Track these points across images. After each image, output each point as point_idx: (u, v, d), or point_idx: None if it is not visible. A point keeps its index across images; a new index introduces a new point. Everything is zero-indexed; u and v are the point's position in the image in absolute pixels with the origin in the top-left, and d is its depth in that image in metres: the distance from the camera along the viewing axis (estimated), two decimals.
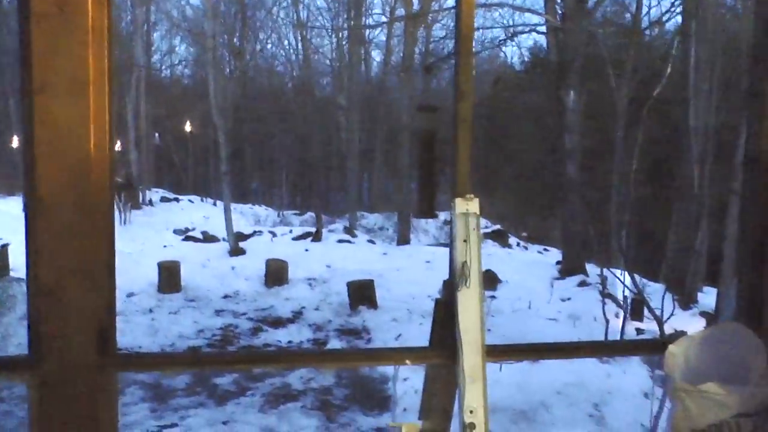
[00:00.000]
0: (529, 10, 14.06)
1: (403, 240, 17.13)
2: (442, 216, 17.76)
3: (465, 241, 1.55)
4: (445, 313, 1.64)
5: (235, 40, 26.69)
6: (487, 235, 17.08)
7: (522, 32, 14.91)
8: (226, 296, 10.25)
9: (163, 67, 32.38)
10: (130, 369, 1.47)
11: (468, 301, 1.55)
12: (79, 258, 1.31)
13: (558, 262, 13.06)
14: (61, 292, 1.29)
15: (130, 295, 9.47)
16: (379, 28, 24.40)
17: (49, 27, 1.29)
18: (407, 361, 1.65)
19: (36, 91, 1.29)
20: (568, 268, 12.18)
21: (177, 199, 23.57)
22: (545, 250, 17.51)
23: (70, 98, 1.29)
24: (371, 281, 9.81)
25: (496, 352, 1.65)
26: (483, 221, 12.77)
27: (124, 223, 17.77)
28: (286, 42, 29.46)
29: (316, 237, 15.79)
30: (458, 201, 1.55)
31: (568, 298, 9.97)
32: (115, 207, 18.20)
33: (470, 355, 1.52)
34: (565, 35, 12.63)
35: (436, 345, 1.67)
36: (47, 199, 1.28)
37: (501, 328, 7.62)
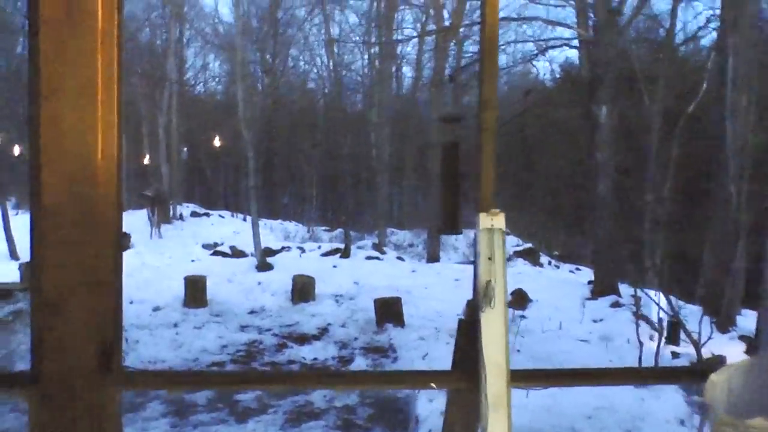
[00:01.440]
0: (560, 24, 13.91)
1: (433, 257, 17.03)
2: (472, 233, 17.57)
3: (489, 258, 1.47)
4: (468, 334, 1.56)
5: (267, 56, 27.04)
6: (517, 254, 16.89)
7: (553, 47, 14.77)
8: (251, 311, 10.24)
9: (197, 84, 32.92)
10: (133, 387, 1.40)
11: (492, 322, 1.46)
12: (83, 270, 1.26)
13: (590, 282, 12.81)
14: (63, 305, 1.24)
15: (155, 309, 9.52)
16: (410, 44, 24.47)
17: (57, 32, 1.25)
18: (432, 384, 1.56)
19: (44, 96, 1.25)
20: (600, 288, 11.92)
21: (207, 214, 23.80)
22: (577, 269, 17.22)
23: (77, 105, 1.25)
24: (398, 299, 9.71)
25: (522, 377, 1.56)
26: (514, 239, 12.62)
27: (154, 236, 17.98)
28: (317, 59, 29.79)
29: (345, 253, 15.78)
30: (482, 216, 1.47)
31: (600, 319, 9.75)
32: (147, 221, 18.52)
33: (494, 381, 1.43)
34: (597, 50, 12.47)
35: (458, 368, 1.58)
36: (51, 207, 1.24)
37: (530, 349, 7.46)
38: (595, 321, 9.67)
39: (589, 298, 11.44)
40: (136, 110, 24.03)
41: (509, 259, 15.19)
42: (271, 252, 15.37)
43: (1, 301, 8.55)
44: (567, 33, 14.62)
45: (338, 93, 27.43)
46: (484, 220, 1.49)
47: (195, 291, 10.11)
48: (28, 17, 1.32)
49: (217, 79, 33.41)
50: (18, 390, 1.34)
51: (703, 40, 15.34)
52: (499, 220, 1.48)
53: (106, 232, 1.30)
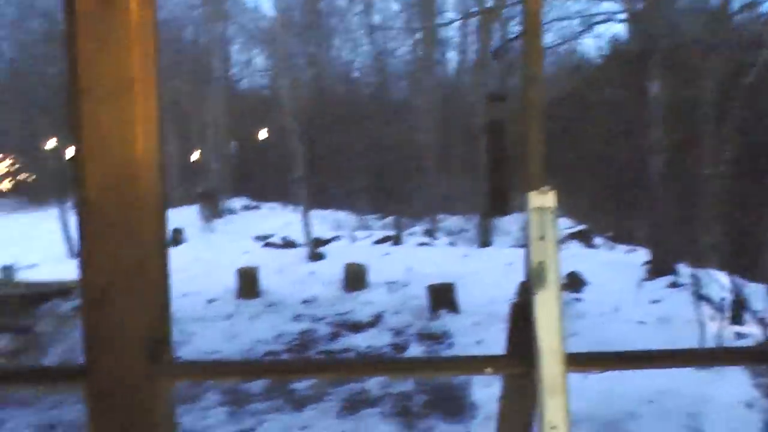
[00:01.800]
0: None
1: (485, 242, 16.87)
2: (523, 216, 17.35)
3: (541, 238, 1.41)
4: (521, 317, 1.50)
5: (310, 48, 27.16)
6: (571, 236, 16.58)
7: (600, 22, 14.34)
8: (304, 301, 10.34)
9: (242, 79, 33.32)
10: (183, 378, 1.41)
11: (546, 304, 1.40)
12: (130, 265, 1.26)
13: (646, 263, 12.47)
14: (111, 300, 1.25)
15: (209, 301, 9.71)
16: (453, 28, 24.22)
17: (93, 25, 1.25)
18: (488, 370, 1.52)
19: (82, 93, 1.26)
20: (657, 268, 11.58)
21: (258, 207, 24.17)
22: (632, 250, 16.80)
23: (114, 100, 1.25)
24: (451, 284, 9.65)
25: (579, 361, 1.49)
26: (567, 221, 12.38)
27: (206, 231, 18.35)
28: (360, 48, 29.75)
29: (396, 241, 15.80)
30: (532, 195, 1.41)
31: (658, 300, 9.47)
32: (198, 216, 18.91)
33: (549, 365, 1.37)
34: (647, 22, 12.05)
35: (512, 353, 1.53)
36: (95, 203, 1.24)
37: (587, 332, 7.31)
38: (652, 302, 9.40)
39: (645, 279, 11.14)
40: (184, 108, 24.50)
41: (562, 241, 14.93)
42: (323, 242, 15.50)
43: (62, 298, 8.87)
44: (613, 7, 14.18)
45: (383, 81, 27.38)
46: (534, 198, 1.43)
47: (248, 282, 10.27)
48: (64, 13, 1.33)
49: (261, 74, 33.77)
50: (71, 383, 1.36)
51: (762, 7, 14.64)
52: (549, 199, 1.42)
53: (150, 226, 1.30)
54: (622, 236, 18.96)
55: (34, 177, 27.62)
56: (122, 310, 1.26)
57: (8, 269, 11.40)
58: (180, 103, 23.58)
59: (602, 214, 21.50)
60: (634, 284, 10.49)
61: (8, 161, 28.92)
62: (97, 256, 1.22)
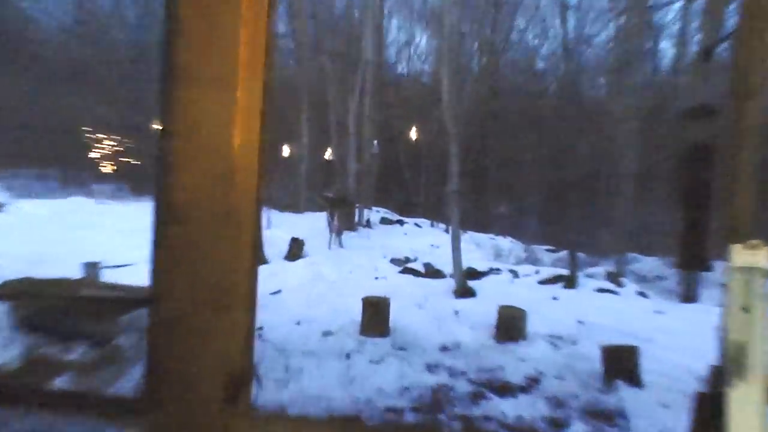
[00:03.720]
0: None
1: (688, 296, 16.08)
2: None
3: (744, 309, 1.32)
4: (710, 411, 1.41)
5: (486, 29, 27.22)
6: None
7: None
8: (443, 347, 10.33)
9: (398, 63, 34.08)
10: (260, 429, 1.45)
11: (744, 400, 1.30)
12: (213, 282, 1.32)
13: None
14: (187, 323, 1.31)
15: (326, 333, 9.96)
16: (673, 10, 23.33)
17: (197, 14, 1.32)
18: None
19: (179, 83, 1.33)
20: None
21: (401, 222, 24.63)
22: None
23: (215, 89, 1.31)
24: (635, 348, 9.24)
25: None
26: None
27: (333, 245, 18.92)
28: (550, 32, 29.48)
29: (570, 282, 15.43)
30: (735, 249, 1.32)
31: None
32: (326, 226, 19.53)
33: None
34: None
35: None
36: (180, 207, 1.31)
37: None
38: None
39: None
40: (324, 96, 25.46)
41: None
42: (476, 274, 15.48)
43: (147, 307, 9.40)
44: None
45: (574, 76, 26.90)
46: (739, 254, 1.34)
47: (376, 315, 10.43)
48: None
49: (423, 58, 34.23)
50: (131, 417, 1.43)
51: None
52: (759, 256, 1.32)
53: (240, 241, 1.35)
54: None
55: (138, 162, 29.88)
56: (201, 336, 1.32)
57: (93, 266, 11.93)
58: (322, 90, 24.54)
59: None
60: None
61: (111, 142, 31.30)
62: (175, 271, 1.29)
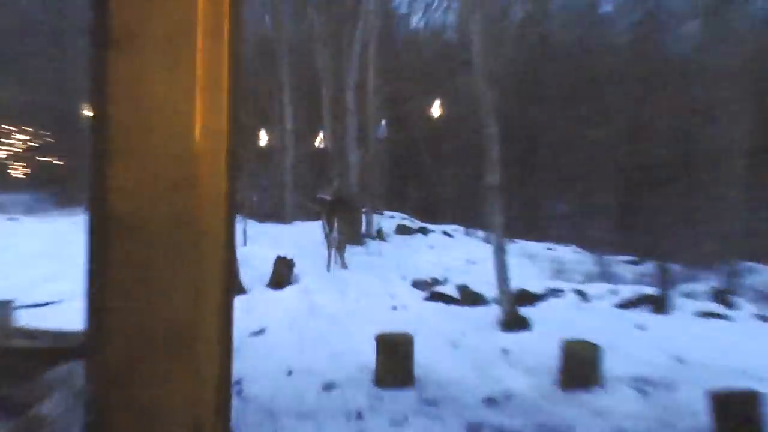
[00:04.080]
0: None
1: None
2: None
3: None
4: None
5: None
6: None
7: None
8: (489, 400, 10.32)
9: (412, 13, 34.04)
10: None
11: None
12: (171, 319, 1.31)
13: None
14: (138, 376, 1.31)
15: (328, 386, 9.95)
16: None
17: None
18: None
19: (114, 47, 1.32)
20: None
21: (424, 230, 24.64)
22: None
23: (164, 56, 1.30)
24: (757, 395, 9.22)
25: None
26: None
27: (333, 265, 18.91)
28: None
29: (660, 305, 15.44)
30: None
31: None
32: (322, 240, 19.52)
33: None
34: None
35: None
36: (123, 220, 1.30)
37: None
38: None
39: None
40: (313, 63, 25.42)
41: None
42: (530, 297, 15.47)
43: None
44: None
45: (653, 23, 26.84)
46: None
47: (394, 359, 10.41)
48: None
49: (445, 4, 34.10)
50: None
51: None
52: None
53: (207, 263, 1.34)
54: None
55: (62, 162, 29.63)
56: (152, 393, 1.31)
57: (2, 307, 11.67)
58: (310, 50, 24.49)
59: None
60: None
61: (24, 136, 30.69)
62: (119, 306, 1.29)
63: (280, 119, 26.07)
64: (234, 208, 1.40)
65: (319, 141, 26.20)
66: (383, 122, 26.15)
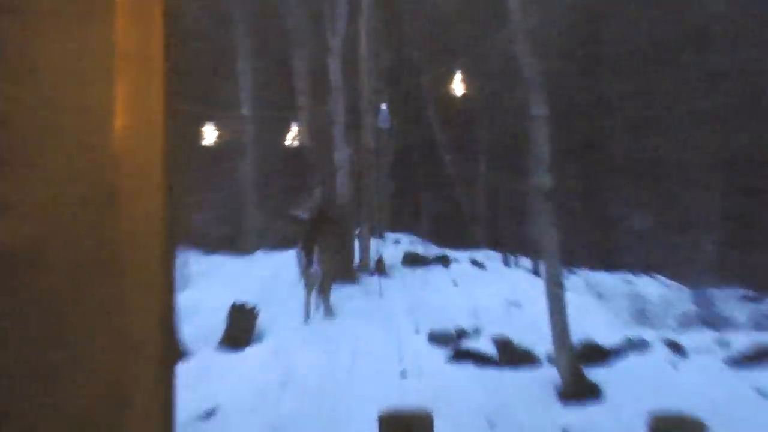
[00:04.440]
0: None
1: None
2: None
3: None
4: None
5: None
6: None
7: None
8: None
9: None
10: None
11: None
12: (82, 399, 1.31)
13: None
14: None
15: None
16: None
17: None
18: None
19: (3, 10, 1.34)
20: None
21: (444, 259, 24.70)
22: None
23: (69, 22, 1.32)
24: None
25: None
26: None
27: (313, 313, 18.94)
28: None
29: None
30: None
31: None
32: (299, 281, 19.55)
33: None
34: None
35: None
36: (15, 254, 1.30)
37: None
38: None
39: None
40: (281, 23, 25.57)
41: None
42: (600, 353, 15.52)
43: None
44: None
45: None
46: None
47: None
48: None
49: None
50: None
51: None
52: None
53: (134, 305, 1.35)
54: None
55: None
56: None
57: None
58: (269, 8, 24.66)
59: None
60: None
61: None
62: (6, 382, 1.29)
63: (235, 104, 26.09)
64: (173, 234, 1.39)
65: (294, 135, 26.15)
66: (384, 106, 26.19)
